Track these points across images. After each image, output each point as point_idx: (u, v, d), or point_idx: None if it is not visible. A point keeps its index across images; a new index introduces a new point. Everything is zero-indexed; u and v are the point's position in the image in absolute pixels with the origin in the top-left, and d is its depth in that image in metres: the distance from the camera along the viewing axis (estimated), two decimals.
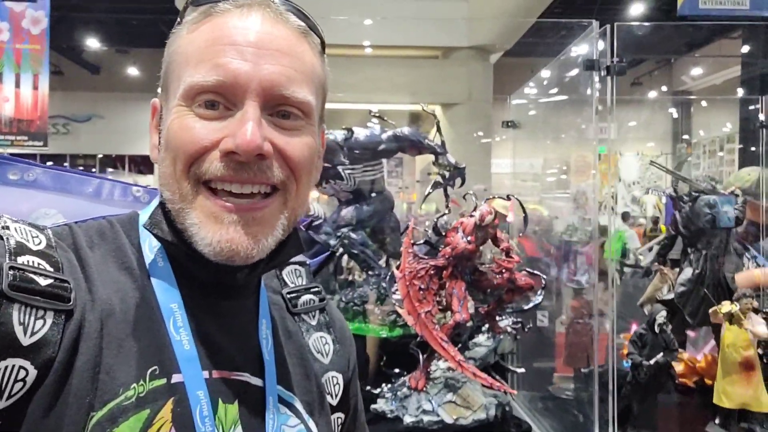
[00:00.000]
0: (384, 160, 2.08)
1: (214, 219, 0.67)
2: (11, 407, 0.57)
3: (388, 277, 1.94)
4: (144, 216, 0.73)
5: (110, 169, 12.80)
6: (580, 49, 2.04)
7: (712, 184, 2.27)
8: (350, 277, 2.24)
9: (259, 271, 0.73)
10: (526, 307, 1.92)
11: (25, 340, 0.57)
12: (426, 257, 1.86)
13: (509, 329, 1.94)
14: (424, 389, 1.79)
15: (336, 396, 0.82)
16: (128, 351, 0.64)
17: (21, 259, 0.60)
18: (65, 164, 15.48)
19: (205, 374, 0.67)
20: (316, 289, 0.87)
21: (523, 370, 2.02)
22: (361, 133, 2.00)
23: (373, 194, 2.07)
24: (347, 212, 2.02)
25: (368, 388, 1.86)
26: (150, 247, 0.71)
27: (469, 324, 1.96)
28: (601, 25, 1.92)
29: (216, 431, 0.66)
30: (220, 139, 0.66)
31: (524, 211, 1.97)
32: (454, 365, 1.72)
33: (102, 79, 14.20)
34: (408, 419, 1.72)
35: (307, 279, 0.88)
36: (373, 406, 1.81)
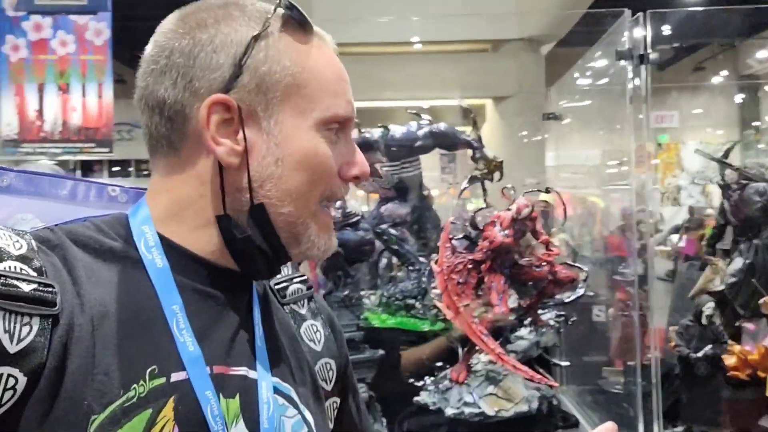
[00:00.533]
0: (421, 157, 2.10)
1: (327, 228, 0.76)
2: (4, 416, 0.57)
3: (426, 272, 1.96)
4: (133, 214, 0.73)
5: None
6: (619, 38, 2.01)
7: (763, 170, 2.19)
8: (392, 273, 2.28)
9: (258, 276, 0.78)
10: (567, 300, 1.91)
11: (12, 348, 0.57)
12: (464, 251, 1.88)
13: (552, 322, 1.94)
14: (465, 382, 1.81)
15: (330, 381, 0.84)
16: (126, 351, 0.63)
17: (2, 265, 0.60)
18: (130, 169, 16.16)
19: (206, 371, 0.67)
20: (303, 278, 0.89)
21: (567, 363, 2.01)
22: (397, 131, 2.03)
23: (412, 191, 2.10)
24: (386, 209, 2.06)
25: (411, 380, 1.89)
26: (147, 246, 0.70)
27: (511, 318, 1.97)
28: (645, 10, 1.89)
29: (225, 427, 0.66)
30: (339, 165, 0.74)
31: (564, 204, 1.96)
32: (494, 358, 1.73)
33: None
34: (449, 411, 1.74)
35: (292, 269, 0.89)
36: (415, 398, 1.84)
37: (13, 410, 0.57)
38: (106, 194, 0.88)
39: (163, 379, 0.64)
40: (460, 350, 1.84)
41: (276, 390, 0.73)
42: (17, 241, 0.63)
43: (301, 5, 0.76)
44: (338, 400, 0.86)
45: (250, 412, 0.70)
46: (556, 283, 1.88)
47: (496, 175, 2.09)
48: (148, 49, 0.73)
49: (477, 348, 1.85)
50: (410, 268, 2.08)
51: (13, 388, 0.56)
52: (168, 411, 0.63)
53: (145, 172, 15.46)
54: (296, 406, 0.75)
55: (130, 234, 0.71)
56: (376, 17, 7.83)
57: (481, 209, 1.94)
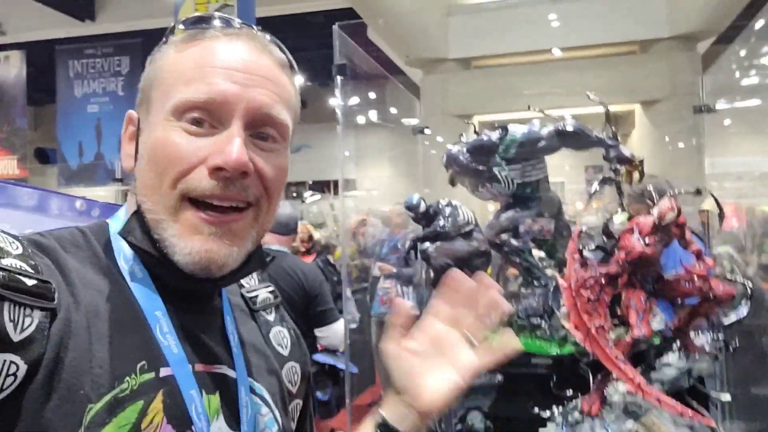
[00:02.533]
0: (546, 159, 1.88)
1: (195, 230, 0.72)
2: (4, 402, 0.59)
3: (552, 288, 1.74)
4: (114, 225, 0.78)
5: (319, 194, 13.74)
6: None
7: None
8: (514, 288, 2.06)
9: (225, 282, 0.78)
10: (727, 322, 1.59)
11: (16, 336, 0.60)
12: (596, 264, 1.63)
13: (707, 348, 1.63)
14: (599, 414, 1.56)
15: (295, 384, 0.90)
16: (117, 347, 0.67)
17: (6, 261, 0.62)
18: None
19: (190, 370, 0.72)
20: (270, 287, 0.95)
21: (728, 397, 1.68)
22: (517, 131, 1.83)
23: (536, 196, 1.88)
24: (506, 217, 1.86)
25: (537, 410, 1.67)
26: (125, 258, 0.75)
27: (656, 341, 1.69)
28: None
29: (209, 423, 0.71)
30: (207, 156, 0.71)
31: (720, 209, 1.65)
32: (634, 388, 1.47)
33: (309, 111, 15.41)
34: None
35: (259, 280, 0.95)
36: (541, 430, 1.62)
37: (13, 397, 0.59)
38: (75, 208, 0.92)
39: (152, 374, 0.69)
40: (591, 378, 1.59)
41: (251, 390, 0.79)
42: (13, 242, 0.66)
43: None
44: (301, 402, 0.91)
45: (229, 408, 0.75)
46: (712, 300, 1.58)
47: (636, 176, 1.82)
48: None
49: (613, 375, 1.60)
50: (535, 283, 1.86)
51: (15, 374, 0.59)
52: (157, 404, 0.68)
53: (295, 195, 16.27)
54: (268, 405, 0.81)
55: (110, 243, 0.76)
56: (514, 27, 7.65)
57: (616, 212, 1.69)
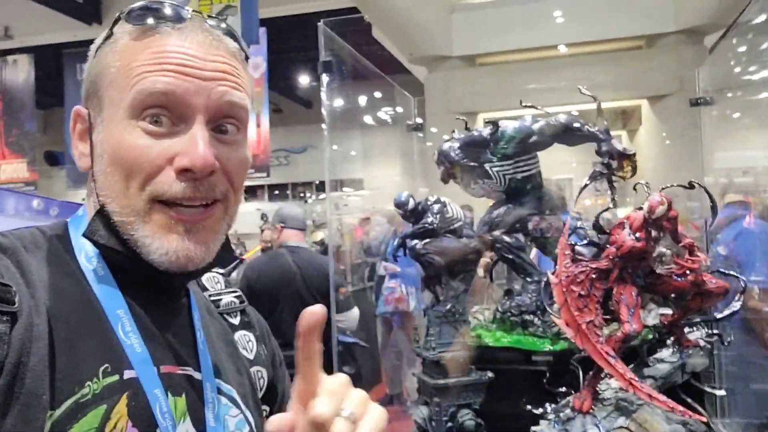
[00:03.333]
0: (539, 154, 1.87)
1: (168, 230, 0.71)
2: None
3: (543, 284, 1.72)
4: (75, 225, 0.77)
5: (322, 194, 13.77)
6: None
7: None
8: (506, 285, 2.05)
9: (196, 274, 0.78)
10: (719, 316, 1.57)
11: None
12: (586, 259, 1.61)
13: (701, 342, 1.61)
14: (591, 411, 1.54)
15: (261, 389, 0.89)
16: (79, 350, 0.66)
17: None
18: (287, 192, 17.10)
19: (154, 371, 0.71)
20: (237, 293, 0.94)
21: (723, 392, 1.66)
22: (509, 126, 1.82)
23: (529, 192, 1.87)
24: (499, 213, 1.85)
25: (529, 407, 1.66)
26: (87, 257, 0.74)
27: (650, 337, 1.67)
28: None
29: (174, 424, 0.70)
30: (173, 157, 0.70)
31: (712, 201, 1.63)
32: (624, 384, 1.45)
33: (314, 112, 15.44)
34: None
35: (225, 285, 0.94)
36: (533, 428, 1.61)
37: None
38: (33, 207, 0.93)
39: (116, 377, 0.67)
40: (581, 374, 1.57)
41: (219, 390, 0.78)
42: None
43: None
44: (269, 408, 0.90)
45: (196, 410, 0.74)
46: (704, 295, 1.56)
47: (628, 171, 1.81)
48: None
49: (606, 372, 1.58)
50: (528, 279, 1.85)
51: None
52: (121, 407, 0.66)
53: (302, 195, 16.30)
54: (238, 406, 0.80)
55: (70, 243, 0.75)
56: (518, 24, 7.61)
57: (607, 209, 1.67)
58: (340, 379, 0.62)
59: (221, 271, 0.96)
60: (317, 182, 15.69)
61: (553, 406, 1.65)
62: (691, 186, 1.67)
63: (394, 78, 4.31)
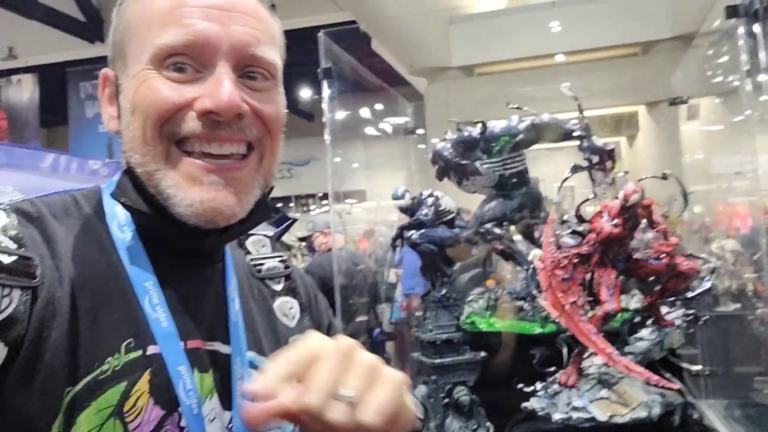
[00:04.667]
0: (525, 152, 2.00)
1: (193, 180, 0.66)
2: None
3: (530, 270, 1.85)
4: (108, 190, 0.73)
5: (326, 205, 13.88)
6: None
7: None
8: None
9: (231, 234, 0.73)
10: (691, 295, 1.70)
11: None
12: (569, 245, 1.75)
13: (678, 321, 1.74)
14: (575, 386, 1.67)
15: None
16: (102, 325, 0.63)
17: None
18: (291, 204, 17.20)
19: (180, 346, 0.67)
20: (282, 257, 0.87)
21: (699, 367, 1.78)
22: (496, 126, 1.96)
23: (517, 188, 2.01)
24: (490, 207, 1.98)
25: (521, 386, 1.79)
26: (118, 225, 0.70)
27: (627, 316, 1.80)
28: None
29: (200, 402, 0.66)
30: (194, 99, 0.65)
31: (683, 189, 1.76)
32: (605, 358, 1.58)
33: (316, 124, 15.58)
34: (557, 416, 1.61)
35: (272, 248, 0.88)
36: (524, 404, 1.73)
37: None
38: (88, 168, 0.91)
39: (139, 352, 0.64)
40: (565, 352, 1.70)
41: (251, 364, 0.72)
42: None
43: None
44: None
45: (225, 387, 0.69)
46: (678, 276, 1.69)
47: (608, 165, 1.94)
48: None
49: (591, 350, 1.71)
50: (518, 268, 1.98)
51: None
52: (143, 384, 0.63)
53: (305, 208, 16.43)
54: None
55: (103, 210, 0.72)
56: (516, 34, 7.76)
57: (587, 200, 1.80)
58: (342, 345, 0.52)
59: (269, 233, 0.91)
60: (320, 194, 15.82)
61: (542, 383, 1.78)
62: (664, 177, 1.80)
63: (394, 89, 4.45)
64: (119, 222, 0.70)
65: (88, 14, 10.59)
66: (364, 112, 4.50)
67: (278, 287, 0.85)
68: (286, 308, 0.84)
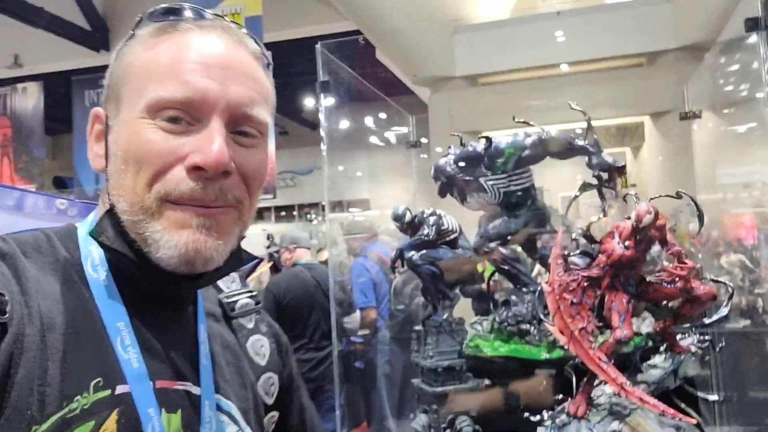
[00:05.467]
0: (531, 168, 1.92)
1: (181, 224, 0.68)
2: None
3: (537, 293, 1.77)
4: (83, 228, 0.74)
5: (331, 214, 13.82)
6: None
7: None
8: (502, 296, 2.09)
9: (204, 281, 0.75)
10: (708, 321, 1.61)
11: None
12: (579, 268, 1.66)
13: (693, 348, 1.65)
14: (585, 416, 1.58)
15: (272, 395, 0.86)
16: (71, 363, 0.63)
17: None
18: (294, 213, 17.15)
19: (150, 387, 0.68)
20: (252, 293, 0.90)
21: (716, 397, 1.69)
22: (501, 141, 1.88)
23: (523, 205, 1.93)
24: (494, 226, 1.90)
25: (526, 415, 1.70)
26: (92, 264, 0.71)
27: (642, 344, 1.71)
28: None
29: None
30: (186, 155, 0.67)
31: (699, 210, 1.68)
32: (616, 388, 1.49)
33: (318, 134, 15.53)
34: None
35: (241, 284, 0.90)
36: None
37: None
38: (54, 207, 0.92)
39: (107, 392, 0.65)
40: (574, 380, 1.61)
41: (218, 407, 0.75)
42: None
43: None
44: (277, 414, 0.87)
45: (192, 427, 0.71)
46: (694, 301, 1.60)
47: (619, 182, 1.86)
48: None
49: (600, 379, 1.62)
50: (524, 290, 1.90)
51: None
52: (111, 423, 0.63)
53: (308, 215, 16.38)
54: (237, 423, 0.77)
55: (78, 248, 0.72)
56: (520, 44, 7.71)
57: (597, 220, 1.72)
58: None
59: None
60: (323, 203, 15.75)
61: (549, 412, 1.69)
62: (678, 196, 1.72)
63: (398, 99, 4.39)
64: (93, 261, 0.71)
65: (93, 23, 10.61)
66: (365, 123, 4.46)
67: (250, 325, 0.88)
68: (258, 346, 0.87)
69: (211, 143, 0.67)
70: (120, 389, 0.65)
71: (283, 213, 17.07)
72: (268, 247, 7.55)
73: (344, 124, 3.08)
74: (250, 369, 0.84)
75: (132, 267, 0.70)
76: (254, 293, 0.91)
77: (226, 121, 0.69)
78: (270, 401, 0.86)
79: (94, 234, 0.71)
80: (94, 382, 0.64)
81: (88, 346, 0.65)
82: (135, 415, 0.65)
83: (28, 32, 10.15)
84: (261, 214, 16.31)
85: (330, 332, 3.87)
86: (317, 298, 4.01)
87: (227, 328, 0.85)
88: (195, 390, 0.73)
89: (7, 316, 0.60)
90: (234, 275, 0.90)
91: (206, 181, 0.68)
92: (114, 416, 0.64)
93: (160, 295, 0.74)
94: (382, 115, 4.61)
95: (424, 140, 4.21)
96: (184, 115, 0.68)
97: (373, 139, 4.93)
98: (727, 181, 3.92)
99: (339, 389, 2.71)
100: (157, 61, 0.69)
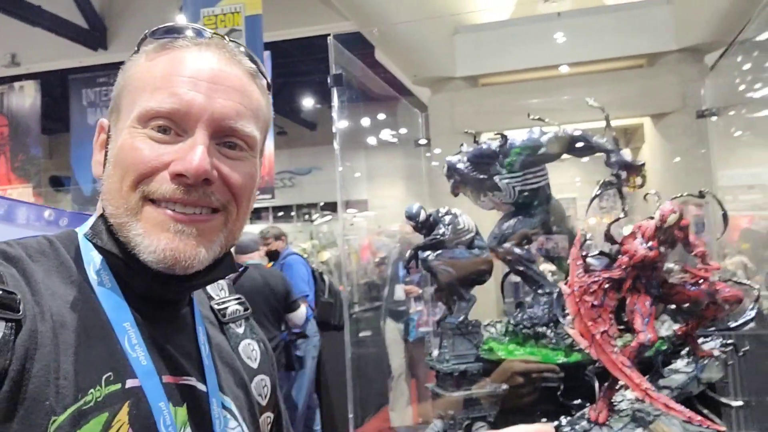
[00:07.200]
0: (547, 166, 1.87)
1: (160, 227, 0.71)
2: None
3: (555, 295, 1.72)
4: (82, 233, 0.78)
5: (328, 215, 13.75)
6: None
7: None
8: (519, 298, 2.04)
9: (194, 285, 0.79)
10: (733, 325, 1.56)
11: None
12: (599, 269, 1.61)
13: (716, 353, 1.60)
14: (606, 423, 1.53)
15: (265, 397, 0.90)
16: (83, 359, 0.66)
17: None
18: (292, 213, 17.10)
19: (159, 382, 0.71)
20: (241, 300, 0.95)
21: (740, 403, 1.64)
22: (517, 138, 1.83)
23: (538, 204, 1.87)
24: (509, 225, 1.85)
25: (544, 420, 1.64)
26: (95, 268, 0.74)
27: (663, 347, 1.66)
28: None
29: None
30: (170, 162, 0.71)
31: (723, 210, 1.63)
32: (640, 394, 1.44)
33: (319, 134, 15.51)
34: None
35: (229, 291, 0.94)
36: None
37: None
38: (43, 218, 0.95)
39: (118, 385, 0.68)
40: (596, 385, 1.56)
41: (222, 405, 0.79)
42: None
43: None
44: (272, 415, 0.92)
45: (196, 421, 0.74)
46: (718, 304, 1.55)
47: (638, 181, 1.81)
48: None
49: (622, 383, 1.57)
50: (539, 291, 1.84)
51: None
52: (123, 415, 0.67)
53: (306, 217, 16.32)
54: (236, 418, 0.81)
55: (79, 252, 0.76)
56: (520, 45, 7.68)
57: (617, 220, 1.67)
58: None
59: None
60: (322, 203, 15.69)
61: (568, 418, 1.63)
62: (701, 195, 1.67)
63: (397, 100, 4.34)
64: (95, 265, 0.74)
65: (91, 22, 10.56)
66: (373, 121, 4.43)
67: (240, 330, 0.92)
68: (249, 350, 0.91)
69: (192, 152, 0.70)
70: (130, 383, 0.69)
71: (281, 213, 17.01)
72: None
73: (350, 119, 3.02)
74: (243, 371, 0.88)
75: (124, 268, 0.74)
76: (242, 300, 0.96)
77: (210, 133, 0.73)
78: (263, 402, 0.90)
79: (89, 236, 0.75)
80: (105, 376, 0.67)
81: (98, 343, 0.69)
82: (145, 406, 0.69)
83: (26, 31, 10.10)
84: (259, 215, 16.26)
85: (277, 323, 4.72)
86: (264, 293, 4.54)
87: (220, 332, 0.90)
88: (199, 386, 0.77)
89: (21, 313, 0.63)
90: (222, 283, 0.95)
91: (188, 187, 0.71)
92: (126, 408, 0.67)
93: (153, 296, 0.77)
94: (390, 114, 4.56)
95: (423, 141, 4.16)
96: (172, 125, 0.72)
97: (376, 139, 4.88)
98: (748, 182, 3.89)
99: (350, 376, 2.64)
100: (152, 74, 0.74)
